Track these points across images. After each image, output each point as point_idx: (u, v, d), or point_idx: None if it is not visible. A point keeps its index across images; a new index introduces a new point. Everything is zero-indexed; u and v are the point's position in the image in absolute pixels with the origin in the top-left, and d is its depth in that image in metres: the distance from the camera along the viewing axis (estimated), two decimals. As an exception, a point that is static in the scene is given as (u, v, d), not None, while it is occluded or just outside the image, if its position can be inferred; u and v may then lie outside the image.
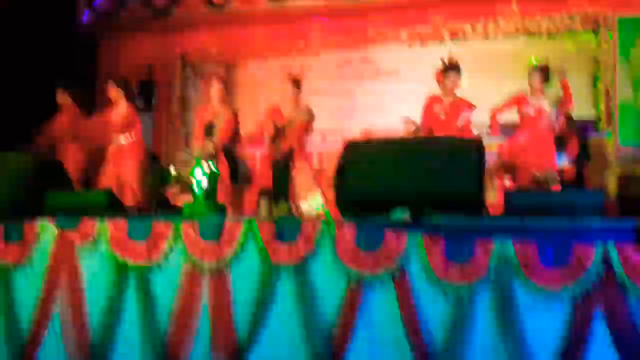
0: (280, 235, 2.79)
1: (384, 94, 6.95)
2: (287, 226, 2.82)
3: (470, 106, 5.02)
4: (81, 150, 5.69)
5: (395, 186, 2.99)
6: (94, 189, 5.11)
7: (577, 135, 5.80)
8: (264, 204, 4.83)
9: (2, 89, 6.24)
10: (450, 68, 4.98)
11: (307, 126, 5.04)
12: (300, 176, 4.86)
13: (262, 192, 4.94)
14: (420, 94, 5.34)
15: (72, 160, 5.46)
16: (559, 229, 2.60)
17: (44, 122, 5.75)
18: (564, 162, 5.63)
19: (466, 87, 5.27)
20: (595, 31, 6.35)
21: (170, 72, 7.70)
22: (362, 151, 3.22)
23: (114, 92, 5.41)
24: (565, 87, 4.91)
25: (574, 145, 5.72)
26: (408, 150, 3.17)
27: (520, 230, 2.64)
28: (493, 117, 5.09)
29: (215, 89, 5.24)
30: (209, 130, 5.14)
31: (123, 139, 5.29)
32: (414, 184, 2.99)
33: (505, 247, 2.58)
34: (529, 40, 6.56)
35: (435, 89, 5.16)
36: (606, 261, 2.46)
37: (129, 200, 4.95)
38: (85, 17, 7.66)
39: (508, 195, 3.08)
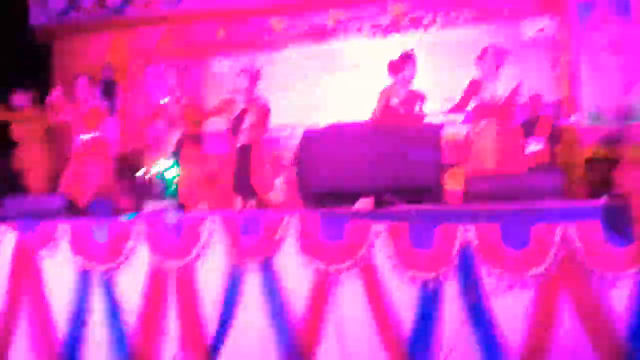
0: (245, 229, 2.77)
1: (348, 87, 6.97)
2: (251, 220, 2.79)
3: (424, 97, 4.97)
4: (47, 152, 5.53)
5: (355, 175, 3.00)
6: (52, 192, 4.97)
7: (547, 116, 5.87)
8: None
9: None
10: (407, 58, 4.98)
11: (262, 120, 4.91)
12: (261, 168, 4.77)
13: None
14: (383, 86, 5.35)
15: (37, 163, 5.31)
16: (519, 212, 2.63)
17: None
18: (534, 144, 5.71)
19: (426, 77, 5.29)
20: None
21: (130, 71, 7.57)
22: (321, 140, 3.21)
23: (81, 89, 5.15)
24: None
25: (544, 126, 5.78)
26: (367, 138, 3.17)
27: (482, 214, 2.66)
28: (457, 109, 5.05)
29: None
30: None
31: (87, 135, 5.07)
32: (375, 173, 3.00)
33: (468, 232, 2.61)
34: (488, 28, 6.65)
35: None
36: (567, 242, 2.50)
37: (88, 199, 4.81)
38: (38, 17, 7.46)
39: (469, 180, 3.10)
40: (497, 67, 4.84)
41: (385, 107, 4.93)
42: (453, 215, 2.73)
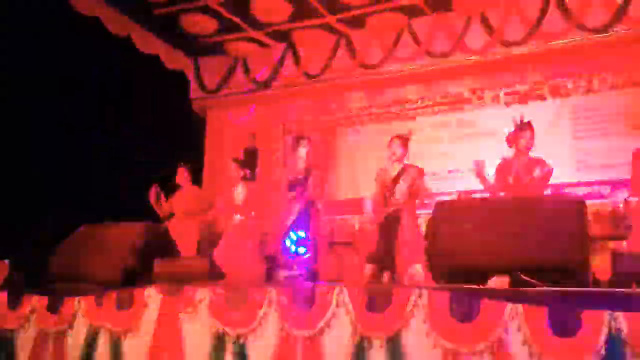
0: (371, 305, 2.75)
1: (483, 156, 6.79)
2: (379, 295, 2.77)
3: (545, 164, 4.66)
4: (197, 224, 5.92)
5: (491, 250, 2.87)
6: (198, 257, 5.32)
7: None
8: (369, 268, 4.69)
9: (118, 160, 6.83)
10: (523, 128, 4.72)
11: (416, 185, 4.83)
12: (406, 240, 4.65)
13: (369, 257, 4.79)
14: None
15: (186, 234, 5.72)
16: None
17: (161, 196, 6.13)
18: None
19: (564, 144, 5.02)
20: None
21: (272, 141, 8.06)
22: (455, 212, 3.14)
23: (235, 172, 5.60)
24: None
25: None
26: (504, 211, 3.05)
27: (634, 299, 2.41)
28: None
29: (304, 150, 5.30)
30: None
31: (240, 217, 5.43)
32: (512, 249, 2.86)
33: (617, 320, 2.36)
34: (636, 91, 6.20)
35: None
36: None
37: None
38: (195, 92, 8.29)
39: (617, 258, 2.83)
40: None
41: (500, 178, 4.71)
42: (599, 300, 2.51)
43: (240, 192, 5.56)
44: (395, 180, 4.84)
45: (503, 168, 4.74)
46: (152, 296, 3.32)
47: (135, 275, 3.56)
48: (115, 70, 6.68)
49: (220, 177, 7.51)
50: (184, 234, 5.49)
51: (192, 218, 5.91)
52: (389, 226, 4.70)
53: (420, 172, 4.88)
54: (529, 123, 4.74)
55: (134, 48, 7.17)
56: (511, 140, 4.77)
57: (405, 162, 4.94)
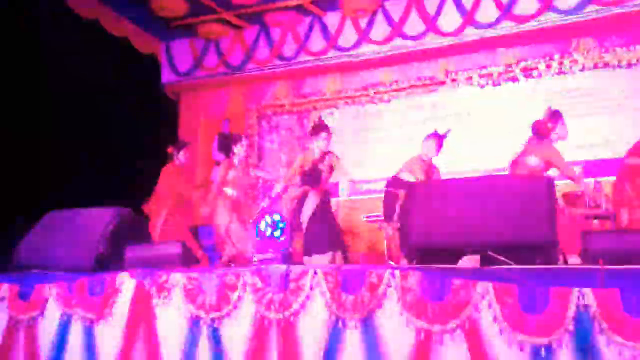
0: (346, 286, 2.77)
1: (458, 136, 6.85)
2: (352, 277, 2.79)
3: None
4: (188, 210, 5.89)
5: (462, 230, 2.91)
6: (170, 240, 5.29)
7: None
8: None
9: (89, 144, 6.71)
10: (557, 116, 4.73)
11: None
12: None
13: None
14: (491, 134, 5.22)
15: (177, 223, 5.68)
16: (644, 276, 2.40)
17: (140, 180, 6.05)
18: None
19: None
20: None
21: (246, 125, 8.00)
22: (427, 193, 3.16)
23: (218, 155, 5.64)
24: None
25: None
26: (475, 191, 3.08)
27: (601, 276, 2.46)
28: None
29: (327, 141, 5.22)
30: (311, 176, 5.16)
31: (231, 192, 5.41)
32: (483, 228, 2.90)
33: (585, 296, 2.41)
34: (609, 73, 6.30)
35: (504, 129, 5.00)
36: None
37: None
38: (167, 76, 8.18)
39: (587, 237, 2.88)
40: None
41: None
42: (567, 277, 2.55)
43: (222, 172, 5.53)
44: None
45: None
46: (124, 282, 3.28)
47: (107, 261, 3.51)
48: (84, 54, 6.54)
49: (195, 160, 7.45)
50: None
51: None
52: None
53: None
54: (558, 111, 4.73)
55: (104, 31, 7.02)
56: (543, 130, 4.69)
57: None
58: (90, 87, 6.58)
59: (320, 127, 5.17)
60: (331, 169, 5.10)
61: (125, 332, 3.18)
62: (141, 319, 3.19)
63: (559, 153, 4.66)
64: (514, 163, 4.74)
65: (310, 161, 5.09)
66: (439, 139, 5.09)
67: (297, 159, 5.34)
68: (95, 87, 6.64)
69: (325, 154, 5.11)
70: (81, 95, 6.55)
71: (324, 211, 4.91)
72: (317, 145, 5.09)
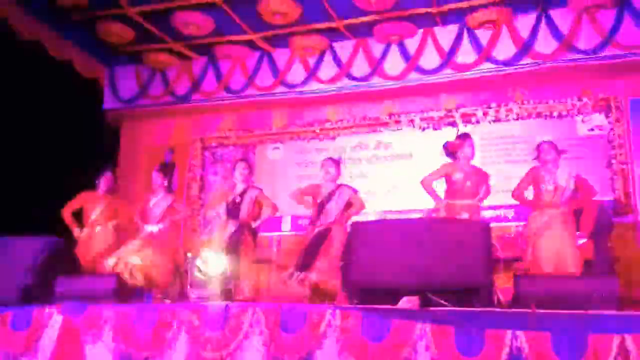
0: (285, 325, 2.73)
1: (400, 177, 7.00)
2: (293, 315, 2.76)
3: (487, 175, 5.17)
4: (115, 231, 5.72)
5: (402, 271, 2.95)
6: (104, 274, 5.10)
7: (595, 209, 5.61)
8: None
9: (25, 169, 6.44)
10: (465, 137, 5.14)
11: (354, 201, 5.17)
12: (330, 255, 4.79)
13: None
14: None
15: (104, 241, 5.53)
16: (573, 320, 2.49)
17: (67, 203, 5.83)
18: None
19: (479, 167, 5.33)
20: (607, 113, 6.41)
21: (190, 155, 7.90)
22: (369, 233, 3.19)
23: (157, 180, 5.55)
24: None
25: (588, 220, 5.52)
26: (414, 233, 3.14)
27: (533, 320, 2.54)
28: (519, 198, 5.05)
29: (240, 169, 5.39)
30: (232, 209, 5.22)
31: (156, 227, 5.35)
32: (422, 270, 2.95)
33: (517, 339, 2.48)
34: (541, 122, 6.64)
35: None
36: (623, 353, 2.33)
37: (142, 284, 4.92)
38: (109, 102, 8.00)
39: (519, 282, 2.98)
40: (557, 155, 4.87)
41: (446, 181, 5.10)
42: (502, 320, 2.62)
43: (157, 202, 5.42)
44: (329, 197, 5.09)
45: (447, 168, 5.13)
46: (52, 316, 3.12)
47: (35, 294, 3.33)
48: (23, 75, 6.33)
49: (133, 191, 7.26)
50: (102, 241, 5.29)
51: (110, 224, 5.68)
52: (317, 241, 4.88)
53: (355, 191, 5.23)
54: (468, 134, 5.21)
55: (45, 53, 6.83)
56: (452, 148, 5.14)
57: (338, 182, 5.24)
58: (26, 109, 6.35)
59: (237, 161, 5.56)
60: (255, 202, 5.30)
61: (50, 371, 3.01)
62: (68, 356, 3.03)
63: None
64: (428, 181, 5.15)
65: (231, 194, 5.30)
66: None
67: (218, 191, 5.60)
68: (31, 110, 6.42)
69: (247, 188, 5.33)
70: (16, 118, 6.30)
71: (236, 242, 5.02)
72: (236, 178, 5.37)
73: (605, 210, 5.12)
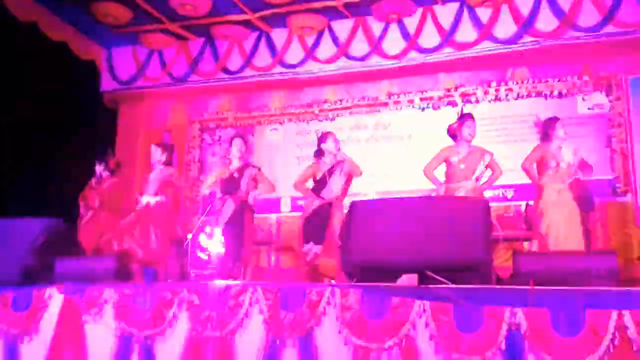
0: (285, 304, 2.74)
1: (398, 157, 6.99)
2: (292, 294, 2.77)
3: (486, 154, 5.11)
4: (117, 218, 5.72)
5: (401, 250, 2.95)
6: (104, 254, 5.12)
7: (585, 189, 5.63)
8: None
9: (24, 153, 6.43)
10: (466, 117, 5.09)
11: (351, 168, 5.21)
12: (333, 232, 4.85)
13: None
14: (430, 156, 5.35)
15: (108, 228, 5.54)
16: (571, 296, 2.50)
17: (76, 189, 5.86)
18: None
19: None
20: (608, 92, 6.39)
21: (188, 137, 7.88)
22: (368, 212, 3.19)
23: (156, 154, 5.52)
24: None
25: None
26: (414, 211, 3.14)
27: (531, 297, 2.55)
28: (528, 170, 5.06)
29: (238, 145, 5.37)
30: (230, 185, 5.21)
31: (152, 199, 5.31)
32: (421, 248, 2.95)
33: (516, 316, 2.49)
34: (541, 101, 6.61)
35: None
36: (622, 330, 2.35)
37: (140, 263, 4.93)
38: (106, 84, 7.95)
39: (518, 259, 2.99)
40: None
41: (446, 164, 5.10)
42: (500, 297, 2.63)
43: (156, 175, 5.42)
44: (330, 172, 5.12)
45: (446, 152, 5.12)
46: (52, 297, 3.13)
47: (35, 275, 3.34)
48: (19, 58, 6.28)
49: (131, 173, 7.24)
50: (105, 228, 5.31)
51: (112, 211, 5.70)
52: (319, 217, 4.96)
53: (351, 160, 5.24)
54: (470, 113, 5.16)
55: (41, 35, 6.77)
56: (453, 130, 5.10)
57: (338, 157, 5.26)
58: (23, 92, 6.32)
59: (233, 137, 5.54)
60: (253, 180, 5.29)
61: (52, 349, 3.03)
62: (69, 336, 3.05)
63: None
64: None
65: (227, 171, 5.31)
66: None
67: (214, 170, 5.70)
68: (29, 92, 6.38)
69: (245, 165, 5.31)
70: (13, 101, 6.27)
71: (237, 221, 5.02)
72: (232, 154, 5.36)
73: (586, 189, 5.15)
